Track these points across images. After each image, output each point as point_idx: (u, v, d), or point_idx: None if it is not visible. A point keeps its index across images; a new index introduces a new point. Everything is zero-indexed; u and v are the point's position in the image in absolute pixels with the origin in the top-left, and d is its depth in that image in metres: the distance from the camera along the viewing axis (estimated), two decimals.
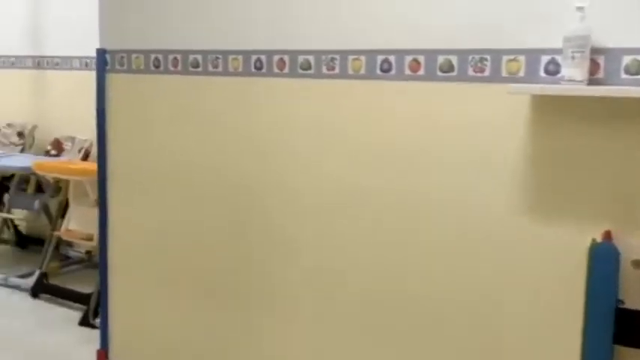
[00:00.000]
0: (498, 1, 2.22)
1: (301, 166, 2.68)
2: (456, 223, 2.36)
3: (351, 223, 2.59)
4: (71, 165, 4.35)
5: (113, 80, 3.18)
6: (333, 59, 2.57)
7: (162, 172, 3.09)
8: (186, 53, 2.92)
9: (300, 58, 2.64)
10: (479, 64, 2.26)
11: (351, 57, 2.53)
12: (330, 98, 2.60)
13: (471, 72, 2.28)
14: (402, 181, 2.46)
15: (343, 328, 2.65)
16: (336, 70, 2.57)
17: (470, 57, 2.27)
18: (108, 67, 3.18)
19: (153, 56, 3.03)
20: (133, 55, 3.09)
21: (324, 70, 2.59)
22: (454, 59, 2.31)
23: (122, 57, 3.13)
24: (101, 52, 3.17)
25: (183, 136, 3.00)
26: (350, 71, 2.54)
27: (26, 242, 5.62)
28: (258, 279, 2.85)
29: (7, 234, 5.69)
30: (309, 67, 2.63)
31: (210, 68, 2.87)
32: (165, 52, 2.99)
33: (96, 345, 3.46)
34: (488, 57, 2.24)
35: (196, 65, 2.91)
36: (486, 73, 2.25)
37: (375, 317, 2.57)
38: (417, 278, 2.46)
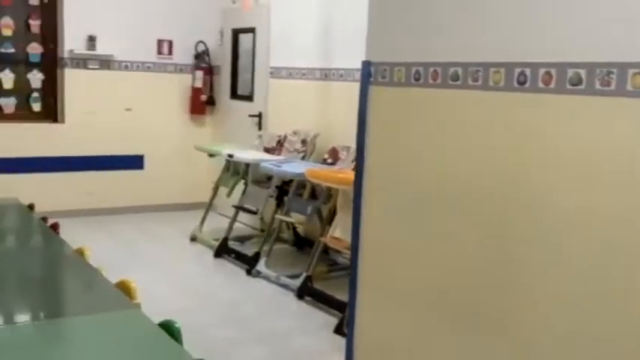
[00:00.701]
0: None
1: (570, 189, 2.35)
2: None
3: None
4: (340, 174, 4.46)
5: (375, 92, 3.16)
6: (609, 73, 2.21)
7: (416, 186, 2.97)
8: (446, 66, 2.77)
9: (570, 72, 2.32)
10: None
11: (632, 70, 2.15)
12: (602, 117, 2.24)
13: None
14: None
15: None
16: (612, 87, 2.20)
17: None
18: (371, 80, 3.16)
19: (414, 69, 2.93)
20: (396, 68, 3.03)
21: (598, 85, 2.24)
22: None
23: (385, 69, 3.08)
24: (366, 65, 3.17)
25: (439, 150, 2.85)
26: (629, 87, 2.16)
27: (303, 244, 5.94)
28: (517, 307, 2.58)
29: (287, 234, 6.08)
30: (579, 82, 2.30)
31: (470, 82, 2.67)
32: (427, 65, 2.87)
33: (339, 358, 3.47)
34: None
35: (456, 78, 2.73)
36: None
37: None
38: None
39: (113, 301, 2.62)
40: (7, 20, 6.54)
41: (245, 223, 6.50)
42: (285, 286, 4.91)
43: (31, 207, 4.41)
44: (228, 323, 4.25)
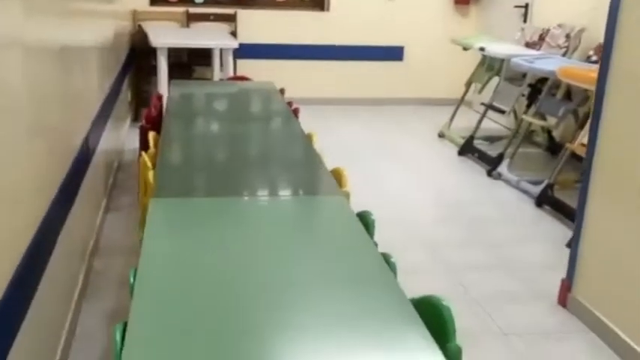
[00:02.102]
0: None
1: None
2: None
3: None
4: (594, 73, 3.91)
5: None
6: None
7: None
8: None
9: None
10: None
11: None
12: None
13: None
14: None
15: None
16: None
17: None
18: None
19: None
20: None
21: None
22: None
23: None
24: None
25: None
26: None
27: (558, 149, 5.46)
28: None
29: (542, 137, 5.64)
30: None
31: None
32: None
33: (562, 273, 3.17)
34: None
35: None
36: None
37: None
38: None
39: (323, 186, 2.69)
40: None
41: (499, 122, 6.17)
42: (525, 191, 4.59)
43: (282, 91, 4.64)
44: (453, 223, 4.11)
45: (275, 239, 2.13)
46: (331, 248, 2.10)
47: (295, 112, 4.05)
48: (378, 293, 1.80)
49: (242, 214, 2.36)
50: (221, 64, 5.79)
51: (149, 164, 2.90)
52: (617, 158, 2.79)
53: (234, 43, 5.74)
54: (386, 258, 2.06)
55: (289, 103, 4.18)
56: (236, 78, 5.32)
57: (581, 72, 4.09)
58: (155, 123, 3.75)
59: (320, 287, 1.82)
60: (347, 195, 2.62)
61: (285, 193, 2.67)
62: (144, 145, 3.57)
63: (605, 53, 2.81)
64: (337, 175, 2.81)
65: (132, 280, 1.87)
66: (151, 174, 2.74)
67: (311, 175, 2.89)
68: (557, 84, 4.55)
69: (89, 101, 3.49)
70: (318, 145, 3.29)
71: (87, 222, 3.23)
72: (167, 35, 5.88)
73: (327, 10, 6.93)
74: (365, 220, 2.37)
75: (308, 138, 3.41)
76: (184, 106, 3.98)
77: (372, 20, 6.94)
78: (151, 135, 3.33)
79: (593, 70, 4.10)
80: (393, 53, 7.12)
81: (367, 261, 2.00)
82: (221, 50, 5.74)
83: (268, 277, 1.85)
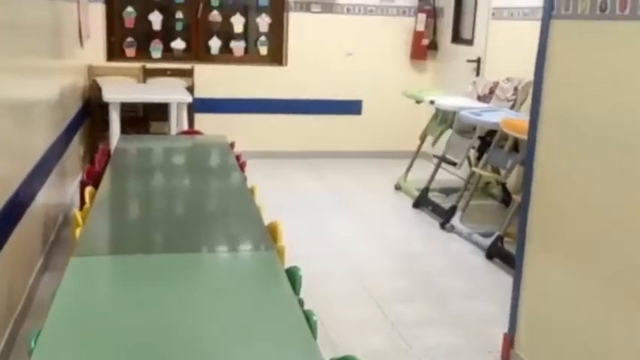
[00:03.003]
0: None
1: None
2: None
3: None
4: None
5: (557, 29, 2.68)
6: None
7: (592, 131, 2.49)
8: None
9: None
10: None
11: None
12: None
13: None
14: None
15: None
16: None
17: None
18: (553, 12, 2.68)
19: None
20: None
21: None
22: None
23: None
24: None
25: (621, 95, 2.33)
26: None
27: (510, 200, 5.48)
28: None
29: (496, 189, 5.66)
30: None
31: None
32: None
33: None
34: None
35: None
36: None
37: None
38: None
39: (255, 241, 2.65)
40: None
41: (455, 174, 6.19)
42: (477, 244, 4.56)
43: (232, 145, 4.61)
44: (402, 276, 4.06)
45: (196, 297, 2.07)
46: (252, 305, 2.05)
47: (242, 166, 4.01)
48: (292, 352, 1.76)
49: (166, 272, 2.29)
50: None
51: (80, 221, 2.82)
52: (551, 207, 2.77)
53: (187, 98, 5.73)
54: (308, 315, 2.01)
55: (238, 157, 4.15)
56: (187, 132, 5.29)
57: (521, 123, 4.12)
58: (97, 178, 3.68)
59: (235, 345, 1.77)
60: (281, 249, 2.57)
61: (214, 249, 2.62)
62: (82, 201, 3.49)
63: (534, 103, 2.83)
64: (273, 230, 2.76)
65: (32, 344, 1.78)
66: (78, 231, 2.67)
67: (245, 230, 2.84)
68: (505, 136, 4.59)
69: (26, 153, 3.42)
70: (261, 199, 3.26)
71: (14, 281, 3.12)
72: (120, 90, 5.86)
73: (286, 64, 6.99)
74: (292, 275, 2.32)
75: (250, 192, 3.37)
76: (128, 161, 3.93)
77: (330, 74, 7.01)
78: (88, 190, 3.25)
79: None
80: (352, 107, 7.17)
81: (286, 319, 1.95)
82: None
83: (183, 336, 1.78)
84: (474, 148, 5.04)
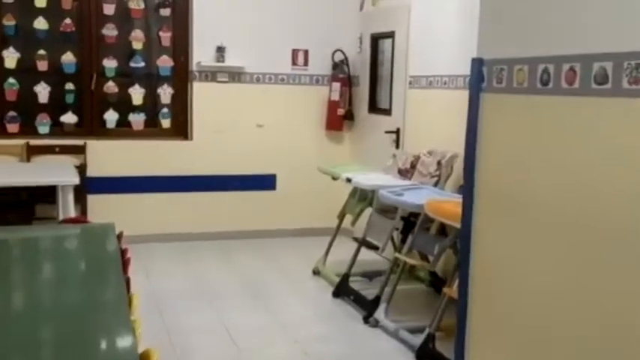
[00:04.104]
0: None
1: None
2: None
3: None
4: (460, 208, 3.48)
5: (488, 103, 2.21)
6: None
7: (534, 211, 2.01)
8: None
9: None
10: None
11: None
12: None
13: None
14: None
15: None
16: None
17: None
18: (483, 85, 2.22)
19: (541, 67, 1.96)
20: (516, 67, 2.06)
21: None
22: None
23: (502, 69, 2.13)
24: (477, 64, 2.23)
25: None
26: None
27: (441, 284, 4.98)
28: None
29: (424, 273, 5.16)
30: None
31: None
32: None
33: None
34: None
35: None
36: None
37: None
38: None
39: None
40: (138, 33, 6.26)
41: (380, 254, 5.66)
42: (405, 341, 4.00)
43: (119, 236, 3.94)
44: None
45: None
46: None
47: (125, 263, 3.36)
48: None
49: None
50: None
51: None
52: (495, 303, 2.26)
53: (73, 179, 5.03)
54: None
55: (124, 251, 3.48)
56: (71, 220, 4.58)
57: (448, 207, 3.65)
58: None
59: None
60: None
61: None
62: None
63: (467, 183, 2.35)
64: (145, 357, 2.13)
65: None
66: None
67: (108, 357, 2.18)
68: (430, 218, 4.11)
69: None
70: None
71: None
72: None
73: (191, 138, 6.41)
74: None
75: (129, 300, 2.72)
76: None
77: (240, 148, 6.46)
78: None
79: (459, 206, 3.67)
80: (265, 182, 6.61)
81: None
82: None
83: None
84: (397, 229, 4.53)
